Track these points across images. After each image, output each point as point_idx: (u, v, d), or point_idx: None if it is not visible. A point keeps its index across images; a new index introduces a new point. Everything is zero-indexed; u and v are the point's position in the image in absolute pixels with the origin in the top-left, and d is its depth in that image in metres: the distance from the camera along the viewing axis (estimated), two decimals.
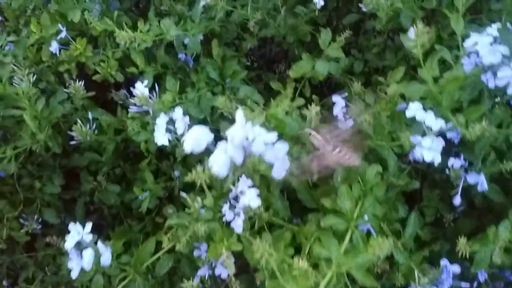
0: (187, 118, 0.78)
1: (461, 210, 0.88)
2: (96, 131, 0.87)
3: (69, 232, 0.64)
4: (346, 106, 0.85)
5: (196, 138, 0.46)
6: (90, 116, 0.87)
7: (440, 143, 0.59)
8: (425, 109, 0.62)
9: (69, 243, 0.61)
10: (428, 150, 0.59)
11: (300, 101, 0.85)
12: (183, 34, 0.90)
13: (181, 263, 0.83)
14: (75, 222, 0.99)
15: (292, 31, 0.98)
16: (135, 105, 0.77)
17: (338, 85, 1.09)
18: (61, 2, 0.98)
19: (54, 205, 0.97)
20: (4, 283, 1.01)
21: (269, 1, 0.95)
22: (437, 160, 0.59)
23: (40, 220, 0.94)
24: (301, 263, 0.54)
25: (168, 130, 0.77)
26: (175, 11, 1.02)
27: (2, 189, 0.91)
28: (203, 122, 0.91)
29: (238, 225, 0.66)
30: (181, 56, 1.01)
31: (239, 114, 0.46)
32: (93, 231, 1.02)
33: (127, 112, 0.97)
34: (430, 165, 0.83)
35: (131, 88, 1.07)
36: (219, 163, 0.45)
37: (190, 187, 0.99)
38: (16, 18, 1.00)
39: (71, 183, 1.03)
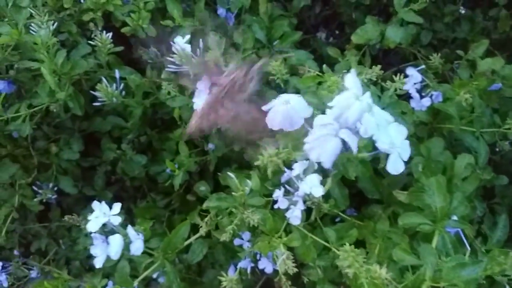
0: None
1: None
2: (123, 93, 0.75)
3: (91, 210, 0.53)
4: (422, 81, 0.72)
5: (288, 112, 0.33)
6: (117, 74, 0.75)
7: None
8: None
9: (93, 225, 0.50)
10: None
11: (376, 69, 0.71)
12: None
13: (215, 250, 0.72)
14: (94, 192, 0.91)
15: None
16: (173, 63, 0.65)
17: (399, 57, 0.96)
18: None
19: (72, 172, 0.87)
20: (15, 252, 0.92)
21: None
22: None
23: (55, 188, 0.83)
24: (382, 271, 0.43)
25: None
26: None
27: (15, 151, 0.80)
28: None
29: (295, 217, 0.54)
30: (221, 12, 0.88)
31: (352, 78, 0.33)
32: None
33: (158, 73, 0.86)
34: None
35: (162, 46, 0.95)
36: (327, 151, 0.32)
37: (225, 163, 0.89)
38: None
39: (91, 149, 0.92)
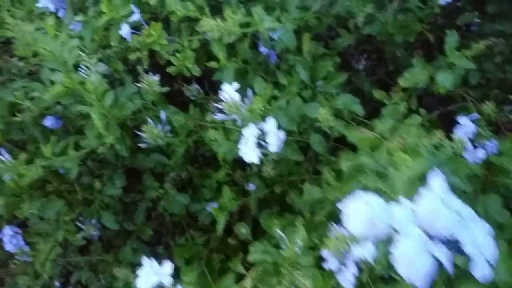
0: (282, 133, 0.65)
1: None
2: (168, 133, 0.76)
3: (140, 265, 0.53)
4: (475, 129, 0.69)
5: (369, 215, 0.31)
6: (163, 115, 0.75)
7: None
8: None
9: (143, 283, 0.50)
10: None
11: (417, 119, 0.69)
12: (275, 27, 0.75)
13: None
14: (135, 227, 0.91)
15: (402, 30, 0.82)
16: (221, 111, 0.65)
17: (445, 97, 0.93)
18: None
19: (113, 207, 0.87)
20: (56, 283, 0.93)
21: None
22: None
23: (98, 225, 0.84)
24: None
25: (258, 145, 0.65)
26: None
27: (60, 187, 0.81)
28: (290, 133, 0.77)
29: (347, 281, 0.53)
30: (263, 50, 0.87)
31: (437, 179, 0.32)
32: (154, 240, 0.94)
33: (201, 110, 0.86)
34: None
35: (205, 82, 0.96)
36: (419, 270, 0.30)
37: (265, 204, 0.88)
38: None
39: (131, 181, 0.93)
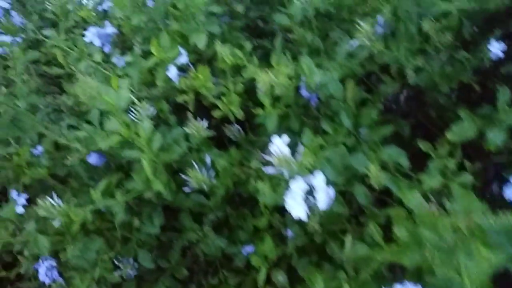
0: (331, 190, 0.64)
1: None
2: (212, 178, 0.76)
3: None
4: None
5: None
6: (208, 159, 0.76)
7: None
8: None
9: None
10: None
11: (467, 177, 0.68)
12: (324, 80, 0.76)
13: None
14: (169, 265, 0.91)
15: (448, 80, 0.81)
16: (270, 164, 0.65)
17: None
18: (182, 21, 0.87)
19: (149, 245, 0.88)
20: None
21: (427, 42, 0.78)
22: None
23: (135, 263, 0.84)
24: None
25: (305, 199, 0.64)
26: (305, 41, 0.89)
27: (101, 225, 0.82)
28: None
29: None
30: (305, 93, 0.88)
31: None
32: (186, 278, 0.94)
33: (241, 150, 0.86)
34: None
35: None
36: None
37: (303, 251, 0.87)
38: (132, 33, 0.91)
39: (167, 220, 0.93)
